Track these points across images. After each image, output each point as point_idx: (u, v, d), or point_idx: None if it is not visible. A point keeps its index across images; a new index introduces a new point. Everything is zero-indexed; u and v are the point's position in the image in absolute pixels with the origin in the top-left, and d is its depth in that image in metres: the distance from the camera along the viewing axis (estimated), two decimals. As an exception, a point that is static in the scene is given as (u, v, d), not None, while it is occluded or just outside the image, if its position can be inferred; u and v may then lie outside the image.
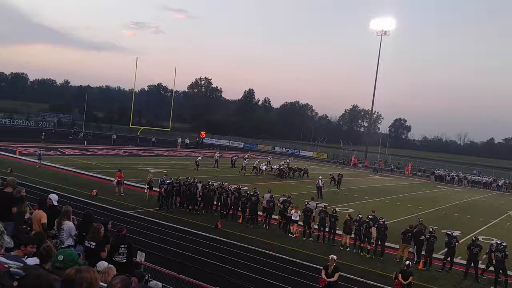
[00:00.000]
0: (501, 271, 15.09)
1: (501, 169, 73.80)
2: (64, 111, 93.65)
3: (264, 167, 40.54)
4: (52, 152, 39.41)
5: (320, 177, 31.65)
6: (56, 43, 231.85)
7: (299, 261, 15.65)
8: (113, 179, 25.02)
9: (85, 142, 53.14)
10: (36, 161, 30.72)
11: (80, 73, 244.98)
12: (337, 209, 20.23)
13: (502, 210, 33.85)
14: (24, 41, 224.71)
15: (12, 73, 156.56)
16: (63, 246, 8.76)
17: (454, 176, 56.97)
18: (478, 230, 24.23)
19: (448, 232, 17.14)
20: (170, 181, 22.08)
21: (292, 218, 19.24)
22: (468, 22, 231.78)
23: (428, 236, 16.70)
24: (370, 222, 17.92)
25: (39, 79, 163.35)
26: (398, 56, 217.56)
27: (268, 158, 47.84)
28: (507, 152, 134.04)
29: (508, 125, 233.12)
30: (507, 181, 55.76)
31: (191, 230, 18.11)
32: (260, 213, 20.81)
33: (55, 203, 10.69)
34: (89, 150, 45.61)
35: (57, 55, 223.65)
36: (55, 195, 11.12)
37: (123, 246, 9.10)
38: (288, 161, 44.53)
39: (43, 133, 49.66)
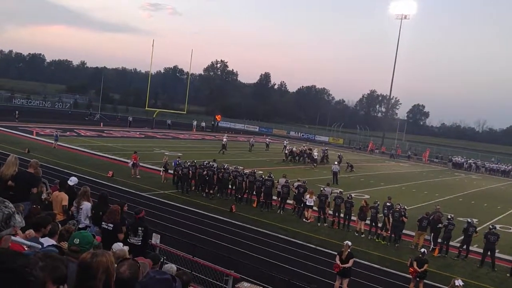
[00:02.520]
0: None
1: (520, 157, 72.43)
2: (81, 93, 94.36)
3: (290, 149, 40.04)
4: (68, 133, 39.83)
5: (336, 163, 31.45)
6: (72, 24, 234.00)
7: (313, 246, 15.63)
8: (128, 161, 25.18)
9: (101, 123, 53.55)
10: (53, 142, 31.05)
11: (96, 54, 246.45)
12: (352, 195, 20.11)
13: (521, 199, 33.29)
14: (41, 21, 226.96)
15: (29, 53, 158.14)
16: (80, 227, 8.84)
17: (472, 164, 56.18)
18: (496, 219, 23.89)
19: (468, 219, 16.90)
20: (189, 164, 22.11)
21: (307, 203, 19.19)
22: (489, 6, 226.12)
23: (446, 223, 16.51)
24: (386, 208, 17.76)
25: (56, 60, 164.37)
26: (418, 40, 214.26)
27: (284, 142, 47.54)
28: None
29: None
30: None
31: (206, 213, 18.18)
32: (274, 197, 20.79)
33: (72, 184, 10.81)
34: (105, 131, 45.98)
35: (73, 36, 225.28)
36: (75, 177, 11.23)
37: (140, 228, 9.13)
38: (323, 149, 43.68)
39: (16, 111, 47.33)
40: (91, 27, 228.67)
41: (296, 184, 20.65)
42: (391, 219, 17.12)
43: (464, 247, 16.26)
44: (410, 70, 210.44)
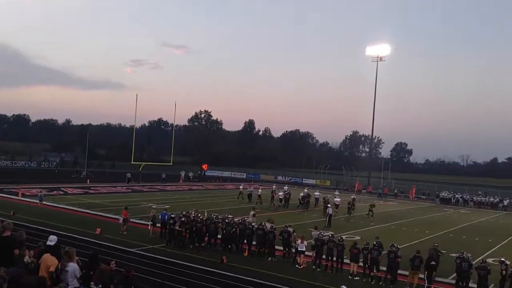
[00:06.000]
0: None
1: (506, 189, 73.10)
2: (67, 151, 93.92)
3: (282, 194, 39.81)
4: (55, 192, 39.34)
5: (329, 205, 31.52)
6: (56, 83, 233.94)
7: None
8: (118, 217, 24.85)
9: (88, 180, 53.04)
10: (38, 201, 30.61)
11: (81, 112, 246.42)
12: (343, 237, 20.01)
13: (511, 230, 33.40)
14: (24, 82, 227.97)
15: (14, 114, 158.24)
16: (68, 289, 8.63)
17: (459, 198, 56.60)
18: (488, 252, 23.89)
19: (460, 255, 16.77)
20: (180, 217, 21.80)
21: (299, 248, 18.99)
22: (466, 44, 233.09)
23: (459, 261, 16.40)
24: (380, 249, 17.59)
25: (41, 120, 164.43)
26: (395, 80, 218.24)
27: (273, 186, 47.37)
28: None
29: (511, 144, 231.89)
30: (514, 201, 55.28)
31: (197, 266, 17.82)
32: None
33: (52, 244, 10.30)
34: (91, 188, 45.48)
35: (58, 95, 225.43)
36: (54, 236, 10.80)
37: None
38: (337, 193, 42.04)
39: None
40: (75, 85, 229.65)
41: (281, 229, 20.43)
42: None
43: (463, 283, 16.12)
44: (391, 110, 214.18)
